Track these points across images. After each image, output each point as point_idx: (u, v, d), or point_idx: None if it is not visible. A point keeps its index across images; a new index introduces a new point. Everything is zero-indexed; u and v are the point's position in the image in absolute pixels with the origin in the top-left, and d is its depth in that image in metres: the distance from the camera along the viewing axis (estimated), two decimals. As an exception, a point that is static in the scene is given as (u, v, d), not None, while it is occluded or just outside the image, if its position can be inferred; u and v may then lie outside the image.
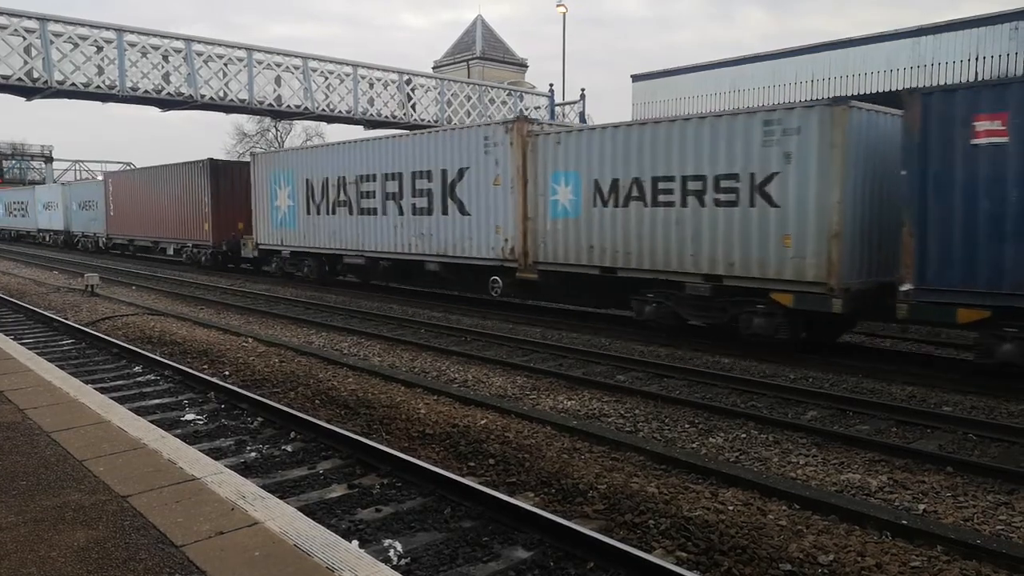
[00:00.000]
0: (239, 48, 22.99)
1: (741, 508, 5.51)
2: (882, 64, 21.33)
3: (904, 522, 5.22)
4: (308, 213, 20.31)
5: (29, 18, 19.06)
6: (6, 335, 10.41)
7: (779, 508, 5.56)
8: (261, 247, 22.84)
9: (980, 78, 18.98)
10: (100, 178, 36.24)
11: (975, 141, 8.84)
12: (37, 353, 9.15)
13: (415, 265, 17.44)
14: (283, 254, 21.96)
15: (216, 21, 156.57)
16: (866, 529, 5.20)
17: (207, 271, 25.70)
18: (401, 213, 17.26)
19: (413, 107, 27.36)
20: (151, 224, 29.42)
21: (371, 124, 26.79)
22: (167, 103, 22.40)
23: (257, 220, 22.63)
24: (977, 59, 19.42)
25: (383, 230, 17.88)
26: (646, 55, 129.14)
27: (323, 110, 25.03)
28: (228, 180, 24.96)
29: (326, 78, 24.96)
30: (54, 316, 14.54)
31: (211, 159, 25.52)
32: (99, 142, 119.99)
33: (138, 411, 7.13)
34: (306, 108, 24.55)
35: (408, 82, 27.16)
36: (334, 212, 19.32)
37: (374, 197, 18.02)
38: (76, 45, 19.97)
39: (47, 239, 43.00)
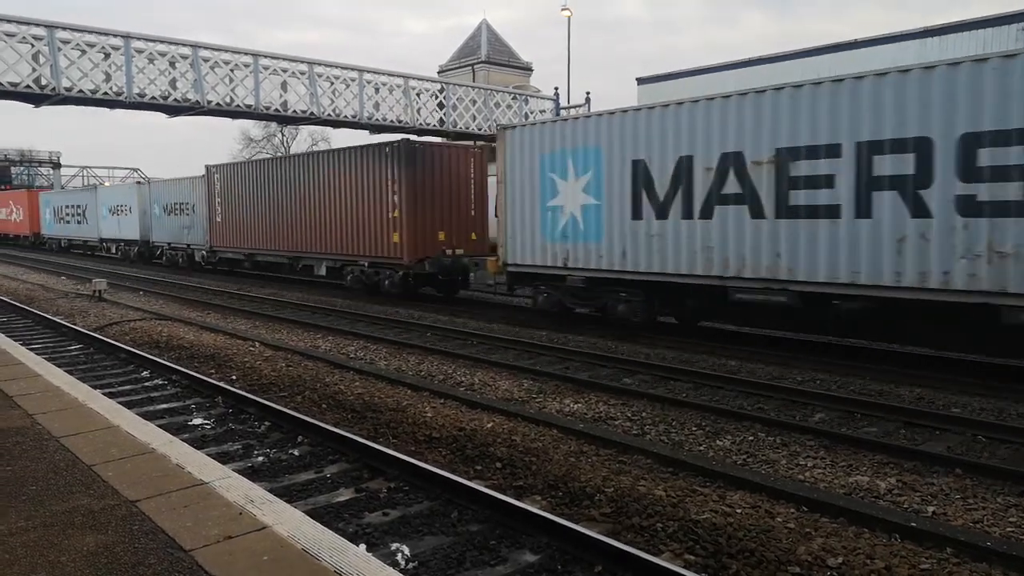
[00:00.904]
0: (245, 54, 23.07)
1: (749, 511, 5.49)
2: (888, 65, 21.24)
3: (913, 524, 5.19)
4: (637, 216, 12.63)
5: (37, 25, 19.18)
6: (15, 341, 10.47)
7: (787, 511, 5.54)
8: (518, 270, 15.06)
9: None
10: (190, 175, 28.52)
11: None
12: (46, 358, 9.19)
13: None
14: (570, 281, 14.00)
15: (221, 28, 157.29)
16: (875, 532, 5.18)
17: (393, 301, 18.40)
18: (927, 214, 9.35)
19: (418, 111, 27.41)
20: (288, 233, 22.21)
21: (376, 129, 26.85)
22: (174, 109, 22.47)
23: (509, 228, 14.95)
24: (984, 60, 19.35)
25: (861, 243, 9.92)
26: (647, 58, 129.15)
27: (329, 115, 25.06)
28: (427, 170, 18.05)
29: (331, 83, 25.00)
30: (62, 321, 14.62)
31: (406, 140, 18.71)
32: (105, 149, 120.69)
33: (146, 416, 7.16)
34: (312, 113, 24.59)
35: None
36: (709, 215, 11.58)
37: (830, 186, 10.19)
38: (84, 52, 20.07)
39: (115, 251, 36.22)
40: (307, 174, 21.38)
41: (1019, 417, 8.02)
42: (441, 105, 28.29)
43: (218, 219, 25.86)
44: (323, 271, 21.18)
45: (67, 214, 41.57)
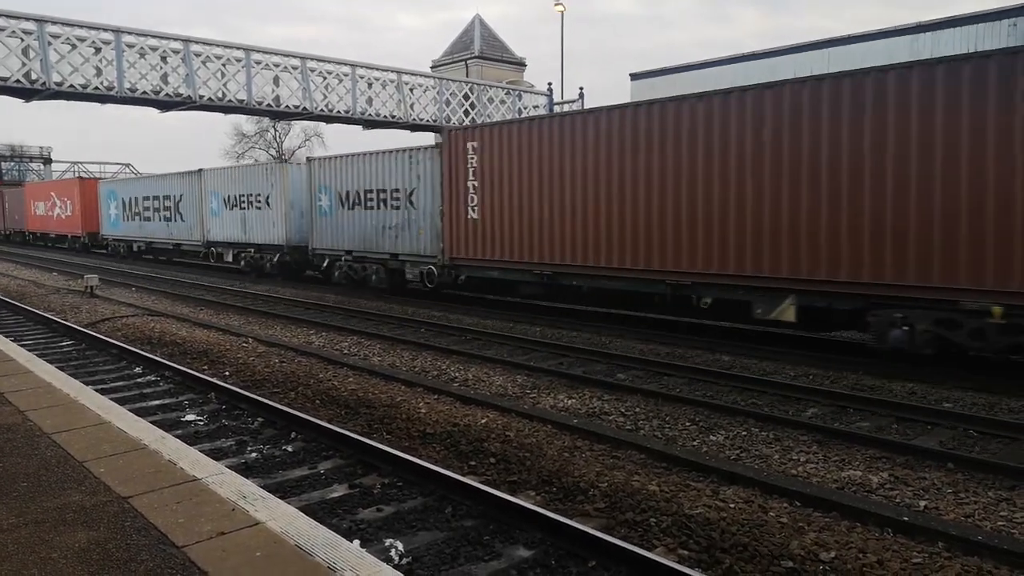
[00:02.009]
0: (237, 49, 22.97)
1: (742, 506, 5.51)
2: (881, 60, 21.26)
3: (905, 519, 5.22)
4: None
5: (27, 19, 19.04)
6: (6, 337, 10.40)
7: (780, 505, 5.56)
8: None
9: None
10: (380, 149, 18.94)
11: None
12: (37, 355, 9.15)
13: None
14: None
15: (212, 23, 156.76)
16: (867, 526, 5.21)
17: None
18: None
19: (412, 107, 27.34)
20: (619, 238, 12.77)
21: (370, 124, 26.79)
22: (165, 104, 22.36)
23: None
24: (977, 55, 19.40)
25: None
26: (640, 54, 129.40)
27: (322, 110, 24.99)
28: None
29: (324, 78, 24.93)
30: (54, 317, 14.54)
31: None
32: (96, 144, 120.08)
33: (138, 412, 7.13)
34: (305, 108, 24.52)
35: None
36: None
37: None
38: (74, 46, 19.94)
39: (233, 260, 25.47)
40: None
41: (1010, 412, 8.07)
42: (435, 101, 28.21)
43: (471, 215, 15.79)
44: (774, 314, 11.05)
45: (145, 208, 30.77)
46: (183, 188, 27.92)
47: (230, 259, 25.73)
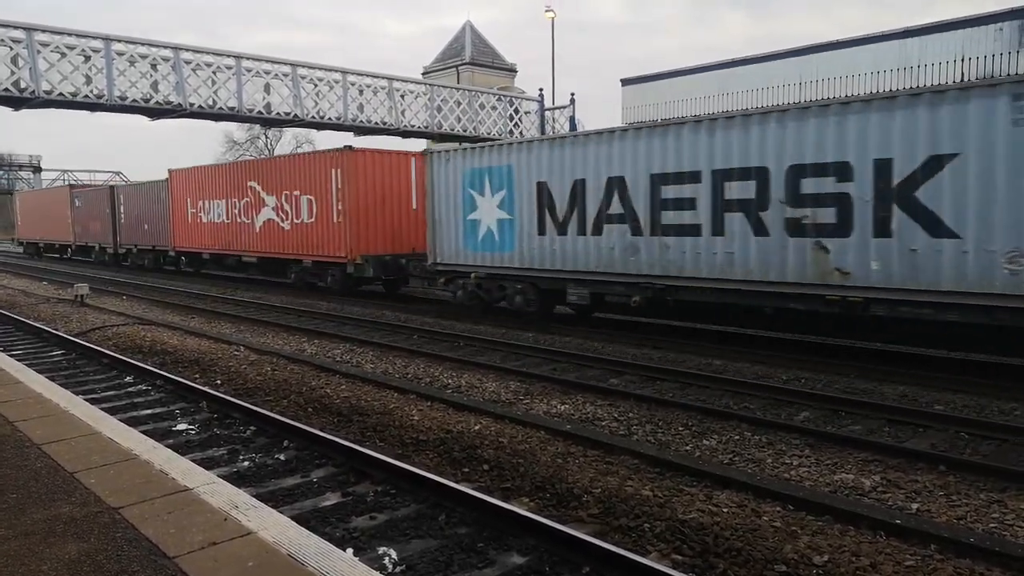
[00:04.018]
0: (228, 56, 22.95)
1: (736, 510, 5.52)
2: (870, 66, 21.47)
3: (898, 522, 5.23)
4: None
5: (16, 28, 18.99)
6: (-5, 347, 10.33)
7: (773, 509, 5.56)
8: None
9: (966, 78, 19.14)
10: None
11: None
12: (27, 365, 9.09)
13: None
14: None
15: (202, 31, 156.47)
16: (860, 529, 5.22)
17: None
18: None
19: (403, 113, 27.35)
20: None
21: (361, 131, 26.78)
22: (156, 112, 22.33)
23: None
24: (963, 60, 19.58)
25: None
26: (629, 60, 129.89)
27: (313, 117, 25.00)
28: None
29: (315, 85, 24.93)
30: (44, 327, 14.45)
31: None
32: (85, 151, 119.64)
33: (129, 422, 7.08)
34: (296, 115, 24.52)
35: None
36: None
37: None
38: (63, 55, 19.89)
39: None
40: None
41: (1001, 413, 8.11)
42: (426, 107, 28.22)
43: None
44: None
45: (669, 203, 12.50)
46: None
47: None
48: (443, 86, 30.47)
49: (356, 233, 18.94)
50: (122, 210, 31.90)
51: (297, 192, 20.81)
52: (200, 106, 22.37)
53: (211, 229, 25.12)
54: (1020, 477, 6.16)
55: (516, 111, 31.09)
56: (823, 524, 5.30)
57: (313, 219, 20.30)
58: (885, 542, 5.02)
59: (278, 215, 21.80)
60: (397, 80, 27.42)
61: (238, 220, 23.69)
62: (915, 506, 5.69)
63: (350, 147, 19.43)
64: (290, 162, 22.17)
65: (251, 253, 23.57)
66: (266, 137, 62.80)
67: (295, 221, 21.05)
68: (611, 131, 12.97)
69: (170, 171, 27.40)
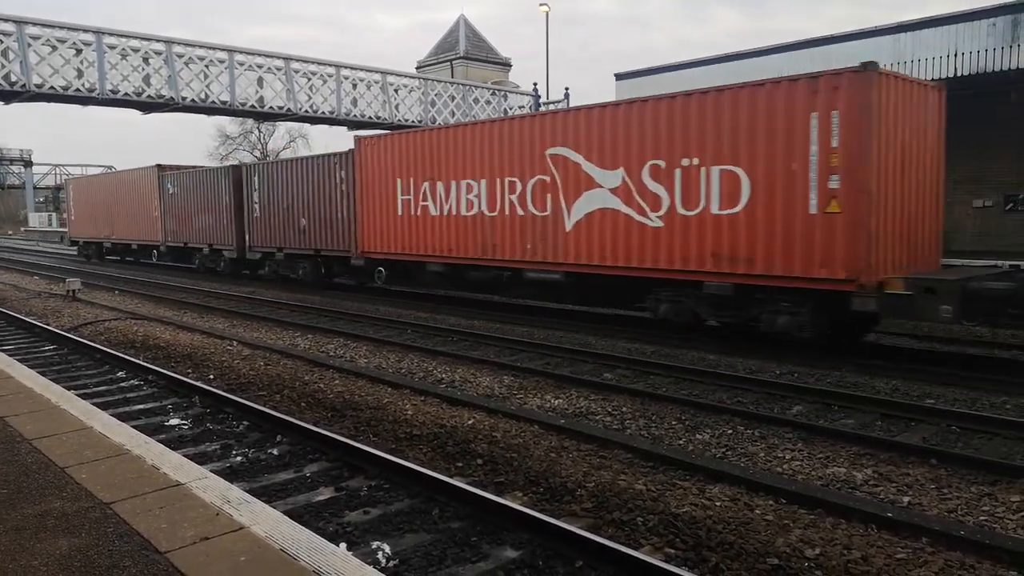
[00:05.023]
0: (220, 50, 22.83)
1: (728, 504, 5.53)
2: (863, 60, 21.43)
3: (889, 515, 5.26)
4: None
5: (5, 21, 18.84)
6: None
7: (766, 503, 5.59)
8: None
9: (959, 74, 19.18)
10: None
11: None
12: (18, 359, 9.04)
13: None
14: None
15: (193, 25, 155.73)
16: (852, 522, 5.24)
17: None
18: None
19: (396, 107, 27.28)
20: None
21: (355, 125, 26.70)
22: (148, 105, 22.20)
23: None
24: (956, 55, 19.60)
25: None
26: (620, 54, 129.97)
27: (306, 111, 24.92)
28: None
29: (308, 79, 24.83)
30: (35, 322, 14.38)
31: None
32: (75, 146, 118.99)
33: (121, 417, 7.06)
34: (289, 109, 24.44)
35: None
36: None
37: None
38: (54, 48, 19.75)
39: None
40: None
41: (992, 407, 8.15)
42: (420, 101, 28.16)
43: None
44: None
45: None
46: None
47: None
48: (437, 80, 30.39)
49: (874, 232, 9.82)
50: (256, 197, 22.15)
51: (696, 161, 11.43)
52: (193, 100, 22.26)
53: (452, 226, 16.00)
54: (1010, 470, 6.20)
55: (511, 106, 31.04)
56: (815, 517, 5.32)
57: (739, 208, 10.93)
58: (877, 535, 5.05)
59: (630, 205, 12.36)
60: (391, 74, 27.34)
61: (519, 212, 14.45)
62: (906, 499, 5.72)
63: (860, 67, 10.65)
64: (683, 105, 11.74)
65: (555, 267, 13.87)
66: (259, 131, 62.54)
67: (682, 212, 11.63)
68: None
69: (358, 138, 18.60)
